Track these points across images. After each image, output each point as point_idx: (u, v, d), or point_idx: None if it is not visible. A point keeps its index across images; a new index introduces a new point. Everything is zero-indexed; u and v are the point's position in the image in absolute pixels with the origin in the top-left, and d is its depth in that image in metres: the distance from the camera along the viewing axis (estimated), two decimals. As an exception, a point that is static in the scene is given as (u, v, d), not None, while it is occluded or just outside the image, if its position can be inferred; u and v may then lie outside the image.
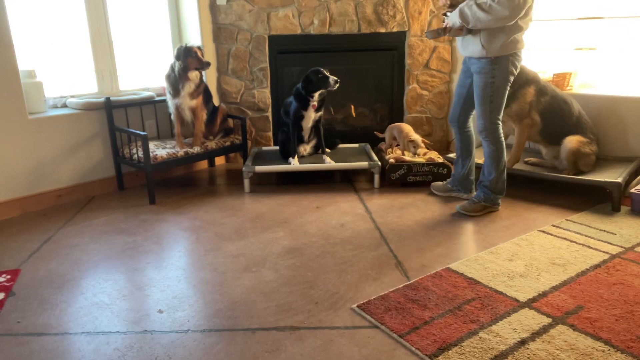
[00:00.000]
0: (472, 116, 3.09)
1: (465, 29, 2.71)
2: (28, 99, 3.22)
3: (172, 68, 3.47)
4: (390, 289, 2.17)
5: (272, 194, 3.48)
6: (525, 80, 3.21)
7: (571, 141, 3.15)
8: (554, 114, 3.21)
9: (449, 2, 2.82)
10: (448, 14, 2.83)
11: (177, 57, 3.41)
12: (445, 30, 2.80)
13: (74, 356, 1.79)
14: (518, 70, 2.80)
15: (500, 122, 2.85)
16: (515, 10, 2.55)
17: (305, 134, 3.65)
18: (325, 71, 3.39)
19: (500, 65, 2.70)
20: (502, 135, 2.87)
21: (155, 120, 3.87)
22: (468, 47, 2.78)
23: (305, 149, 3.70)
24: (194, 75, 3.46)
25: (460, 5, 2.69)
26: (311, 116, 3.56)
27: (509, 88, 2.81)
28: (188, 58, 3.39)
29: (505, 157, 2.93)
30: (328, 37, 4.04)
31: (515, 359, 1.69)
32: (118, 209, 3.26)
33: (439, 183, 3.36)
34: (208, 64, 3.45)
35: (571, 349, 1.73)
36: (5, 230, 2.97)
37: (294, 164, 3.53)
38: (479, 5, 2.59)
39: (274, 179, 3.80)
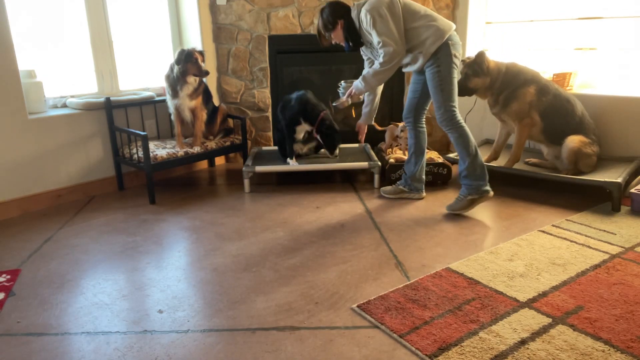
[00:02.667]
0: (424, 113, 3.13)
1: (364, 92, 2.98)
2: (28, 99, 3.22)
3: (172, 69, 3.47)
4: (390, 289, 2.17)
5: (272, 194, 3.48)
6: (524, 80, 3.21)
7: (573, 141, 3.14)
8: (557, 113, 3.21)
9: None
10: (342, 83, 3.11)
11: (178, 62, 3.40)
12: (351, 98, 3.03)
13: (74, 356, 1.79)
14: (459, 53, 2.86)
15: (455, 109, 2.88)
16: (398, 50, 2.73)
17: (299, 137, 3.65)
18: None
19: (442, 53, 2.79)
20: (461, 121, 2.89)
21: (155, 120, 3.87)
22: (415, 64, 2.89)
23: (302, 148, 3.70)
24: (192, 79, 3.45)
25: (363, 75, 2.91)
26: (305, 128, 3.58)
27: (456, 73, 2.86)
28: (188, 63, 3.38)
29: (474, 143, 2.91)
30: (328, 37, 4.04)
31: (515, 359, 1.69)
32: (118, 209, 3.26)
33: (389, 187, 3.35)
34: (206, 73, 3.42)
35: (571, 349, 1.73)
36: (5, 230, 2.97)
37: (293, 164, 3.53)
38: (374, 71, 2.83)
39: (274, 179, 3.80)
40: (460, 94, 3.30)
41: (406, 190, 3.26)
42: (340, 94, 3.13)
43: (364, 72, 2.91)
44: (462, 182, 2.96)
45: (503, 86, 3.24)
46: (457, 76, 2.86)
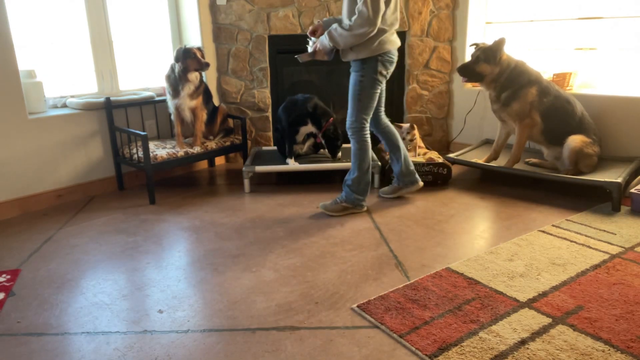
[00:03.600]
0: (382, 112, 3.13)
1: (330, 52, 2.87)
2: (28, 99, 3.22)
3: (172, 69, 3.47)
4: (390, 289, 2.17)
5: (272, 194, 3.48)
6: (528, 81, 3.20)
7: (575, 140, 3.14)
8: (557, 114, 3.21)
9: (311, 29, 2.98)
10: (312, 38, 2.99)
11: (177, 59, 3.41)
12: (315, 54, 2.94)
13: (74, 356, 1.79)
14: (389, 71, 2.87)
15: (366, 123, 2.90)
16: (371, 22, 2.64)
17: (300, 138, 3.65)
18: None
19: (369, 65, 2.80)
20: (367, 136, 2.92)
21: (155, 120, 3.87)
22: (347, 55, 2.86)
23: (302, 147, 3.71)
24: (193, 76, 3.46)
25: (329, 29, 2.81)
26: (309, 130, 3.60)
27: (379, 89, 2.88)
28: (187, 59, 3.39)
29: (370, 162, 2.96)
30: (328, 37, 4.04)
31: (515, 359, 1.69)
32: (118, 209, 3.26)
33: (386, 188, 3.33)
34: (207, 65, 3.45)
35: (571, 349, 1.73)
36: (5, 230, 2.97)
37: (292, 164, 3.53)
38: (342, 27, 2.73)
39: (274, 179, 3.80)
40: (466, 75, 3.30)
41: (402, 187, 3.26)
42: (309, 48, 3.03)
43: (332, 26, 2.82)
44: (344, 188, 3.03)
45: (507, 83, 3.22)
46: (379, 91, 2.89)
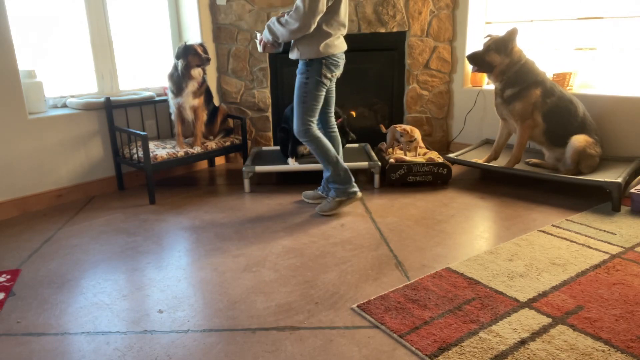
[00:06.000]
0: (331, 116, 3.12)
1: (275, 45, 2.88)
2: (28, 99, 3.23)
3: (175, 67, 3.47)
4: (390, 289, 2.17)
5: (272, 194, 3.48)
6: (534, 81, 3.19)
7: (578, 140, 3.13)
8: (560, 115, 3.20)
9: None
10: (259, 33, 3.01)
11: (177, 57, 3.42)
12: (264, 47, 2.95)
13: (74, 356, 1.79)
14: (335, 74, 2.87)
15: (312, 124, 2.90)
16: (305, 20, 2.63)
17: None
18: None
19: (313, 67, 2.80)
20: (315, 133, 2.91)
21: (155, 120, 3.87)
22: (293, 52, 2.87)
23: (306, 147, 3.70)
24: (196, 72, 3.46)
25: (268, 22, 2.83)
26: None
27: (323, 92, 2.87)
28: (189, 56, 3.40)
29: (334, 152, 2.94)
30: (328, 37, 4.03)
31: (515, 359, 1.69)
32: (118, 209, 3.26)
33: (309, 191, 3.31)
34: (208, 60, 3.45)
35: (571, 349, 1.73)
36: (5, 230, 2.97)
37: (292, 164, 3.53)
38: (279, 21, 2.75)
39: (274, 179, 3.80)
40: (476, 64, 3.28)
41: (324, 196, 3.22)
42: (257, 42, 3.03)
43: (271, 20, 2.83)
44: (330, 186, 3.02)
45: (514, 79, 3.20)
46: (323, 93, 2.88)
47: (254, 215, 3.09)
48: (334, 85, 3.06)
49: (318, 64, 2.79)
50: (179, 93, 3.50)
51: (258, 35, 2.99)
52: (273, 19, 2.80)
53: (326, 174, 3.01)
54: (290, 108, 3.64)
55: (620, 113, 3.38)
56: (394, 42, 4.18)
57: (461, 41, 4.20)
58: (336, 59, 2.84)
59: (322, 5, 2.63)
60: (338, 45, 2.82)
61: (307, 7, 2.60)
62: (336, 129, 3.17)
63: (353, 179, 3.01)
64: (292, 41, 2.83)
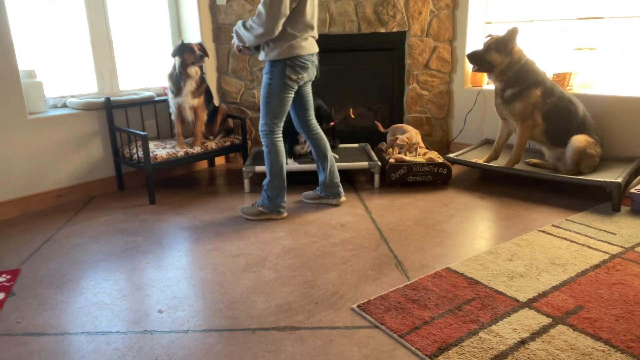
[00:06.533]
0: (311, 119, 3.09)
1: (247, 48, 2.88)
2: (28, 99, 3.23)
3: (174, 66, 3.48)
4: (390, 289, 2.17)
5: (272, 194, 3.47)
6: (534, 81, 3.18)
7: (579, 140, 3.13)
8: (560, 115, 3.20)
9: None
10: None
11: (174, 54, 3.43)
12: (240, 51, 2.94)
13: (74, 356, 1.79)
14: (302, 77, 2.82)
15: (277, 127, 2.88)
16: (268, 25, 2.61)
17: (301, 139, 3.65)
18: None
19: (276, 68, 2.77)
20: (277, 139, 2.89)
21: (155, 120, 3.87)
22: (260, 53, 2.85)
23: (303, 147, 3.70)
24: (193, 71, 3.45)
25: (235, 27, 2.82)
26: None
27: (289, 94, 2.83)
28: (185, 53, 3.40)
29: (282, 165, 2.92)
30: (328, 37, 4.04)
31: (515, 359, 1.69)
32: (118, 209, 3.26)
33: (309, 192, 3.31)
34: (202, 56, 3.41)
35: (571, 349, 1.73)
36: (5, 230, 2.97)
37: (292, 164, 3.53)
38: (244, 26, 2.74)
39: (274, 179, 3.80)
40: (476, 63, 3.27)
41: (323, 197, 3.23)
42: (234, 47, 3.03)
43: (237, 24, 2.81)
44: (262, 192, 3.00)
45: (514, 79, 3.19)
46: (290, 96, 2.84)
47: (254, 215, 3.09)
48: (309, 89, 3.02)
49: (282, 65, 2.75)
50: (178, 93, 3.50)
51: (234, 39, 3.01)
52: (239, 24, 2.78)
53: (265, 181, 2.97)
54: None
55: (620, 113, 3.38)
56: (394, 42, 4.18)
57: (461, 41, 4.20)
58: (303, 61, 2.78)
59: (285, 9, 2.59)
60: (305, 47, 2.76)
61: (269, 12, 2.57)
62: (319, 132, 3.12)
63: (284, 200, 3.00)
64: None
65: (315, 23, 2.82)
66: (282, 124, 2.91)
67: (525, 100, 3.19)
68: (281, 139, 2.93)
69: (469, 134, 4.33)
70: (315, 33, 2.85)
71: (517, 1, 3.98)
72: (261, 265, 2.43)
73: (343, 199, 3.23)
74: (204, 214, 3.12)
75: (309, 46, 2.80)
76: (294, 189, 3.56)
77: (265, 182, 2.97)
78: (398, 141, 3.64)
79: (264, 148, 2.92)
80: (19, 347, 1.85)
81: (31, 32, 3.37)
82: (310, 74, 2.89)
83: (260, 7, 2.61)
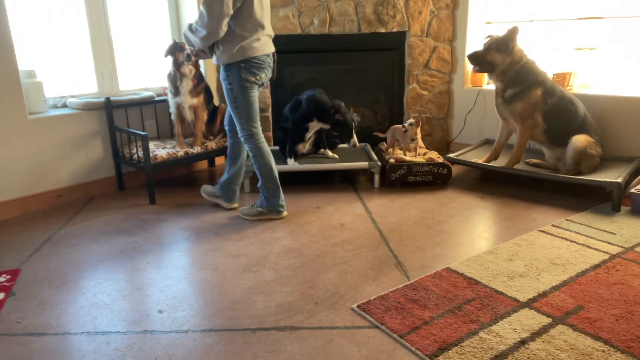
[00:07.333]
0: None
1: (201, 52, 2.85)
2: (28, 99, 3.22)
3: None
4: (390, 289, 2.17)
5: (272, 194, 3.47)
6: (535, 81, 3.18)
7: (579, 140, 3.13)
8: (561, 115, 3.20)
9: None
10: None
11: (166, 54, 3.44)
12: (196, 55, 2.92)
13: (74, 356, 1.79)
14: (260, 77, 2.80)
15: (255, 129, 2.86)
16: (211, 26, 2.59)
17: (308, 135, 3.64)
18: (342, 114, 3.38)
19: (232, 72, 2.75)
20: (259, 140, 2.88)
21: (155, 120, 3.87)
22: (213, 57, 2.83)
23: (305, 146, 3.70)
24: (187, 70, 3.45)
25: (183, 31, 2.80)
26: (315, 127, 3.57)
27: (253, 94, 2.82)
28: (176, 52, 3.42)
29: (270, 165, 2.91)
30: (328, 37, 4.04)
31: (515, 359, 1.69)
32: (118, 209, 3.26)
33: (209, 187, 3.27)
34: (189, 57, 3.35)
35: (571, 349, 1.73)
36: (5, 230, 2.97)
37: (292, 164, 3.53)
38: (190, 29, 2.72)
39: (274, 179, 3.80)
40: (477, 63, 3.27)
41: (217, 196, 3.22)
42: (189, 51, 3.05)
43: (185, 27, 2.79)
44: (260, 193, 3.00)
45: (515, 79, 3.19)
46: (254, 95, 2.82)
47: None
48: (257, 92, 2.98)
49: (236, 68, 2.72)
50: (176, 92, 3.50)
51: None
52: (187, 27, 2.75)
53: (259, 183, 2.96)
54: (290, 108, 3.64)
55: (620, 113, 3.38)
56: (394, 42, 4.18)
57: (461, 41, 4.20)
58: (258, 62, 2.75)
59: (227, 8, 2.55)
60: (257, 48, 2.72)
61: (210, 12, 2.54)
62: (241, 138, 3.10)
63: (282, 199, 2.99)
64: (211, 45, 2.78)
65: (267, 22, 2.78)
66: (258, 124, 2.89)
67: (526, 100, 3.19)
68: (263, 139, 2.91)
69: (469, 134, 4.33)
70: (269, 31, 2.81)
71: (517, 1, 3.98)
72: (261, 265, 2.43)
73: (235, 205, 3.21)
74: (204, 214, 3.12)
75: (262, 47, 2.75)
76: (294, 188, 3.56)
77: (259, 184, 2.97)
78: (410, 119, 3.58)
79: (250, 152, 2.91)
80: (19, 347, 1.85)
81: (31, 32, 3.37)
82: (267, 74, 2.86)
83: (201, 7, 2.57)
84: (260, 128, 2.90)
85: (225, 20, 2.59)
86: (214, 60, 2.81)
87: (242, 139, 2.90)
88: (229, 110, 2.99)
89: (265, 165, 2.91)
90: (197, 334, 1.90)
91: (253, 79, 2.76)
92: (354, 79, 4.27)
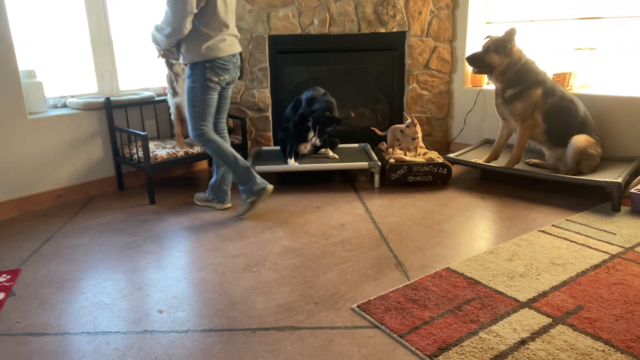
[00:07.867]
0: (222, 120, 3.10)
1: (168, 51, 2.86)
2: (28, 99, 3.22)
3: None
4: (390, 289, 2.17)
5: (272, 194, 3.47)
6: (535, 81, 3.19)
7: (580, 140, 3.13)
8: (561, 115, 3.20)
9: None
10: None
11: (158, 56, 3.43)
12: (165, 54, 2.93)
13: (74, 356, 1.79)
14: (223, 78, 2.81)
15: (204, 128, 2.88)
16: (175, 24, 2.60)
17: (309, 134, 3.64)
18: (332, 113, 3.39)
19: (196, 71, 2.76)
20: (211, 136, 2.89)
21: (155, 120, 3.87)
22: (180, 56, 2.84)
23: (306, 146, 3.69)
24: (179, 69, 3.45)
25: (150, 31, 2.81)
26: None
27: (212, 95, 2.83)
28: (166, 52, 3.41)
29: (231, 152, 2.91)
30: (328, 37, 4.04)
31: (515, 359, 1.69)
32: (118, 209, 3.26)
33: (201, 194, 3.31)
34: (170, 53, 3.36)
35: (571, 349, 1.73)
36: (5, 230, 2.97)
37: (292, 164, 3.53)
38: (156, 28, 2.74)
39: (274, 179, 3.80)
40: (476, 65, 3.28)
41: (210, 199, 3.23)
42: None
43: (154, 25, 2.80)
44: (239, 188, 3.00)
45: (514, 79, 3.19)
46: (213, 97, 2.84)
47: (254, 215, 3.09)
48: (230, 92, 3.03)
49: (201, 68, 2.73)
50: (174, 93, 3.50)
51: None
52: (153, 27, 2.76)
53: (232, 177, 2.98)
54: (291, 107, 3.64)
55: (620, 113, 3.38)
56: (394, 42, 4.18)
57: (461, 41, 4.20)
58: (223, 62, 2.76)
59: (191, 6, 2.56)
60: (223, 49, 2.73)
61: (174, 10, 2.55)
62: (225, 135, 3.14)
63: (257, 176, 2.96)
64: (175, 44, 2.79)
65: (231, 21, 2.78)
66: (209, 124, 2.90)
67: (526, 100, 3.19)
68: (213, 132, 2.92)
69: (469, 134, 4.33)
70: (234, 31, 2.81)
71: (517, 1, 3.98)
72: (261, 265, 2.43)
73: (228, 205, 3.20)
74: (204, 214, 3.12)
75: (228, 47, 2.76)
76: (294, 188, 3.56)
77: (233, 178, 2.96)
78: (408, 118, 3.59)
79: (206, 149, 2.93)
80: (19, 347, 1.85)
81: (31, 32, 3.37)
82: (233, 74, 2.87)
83: (165, 5, 2.58)
84: (210, 126, 2.92)
85: (189, 18, 2.61)
86: (180, 59, 2.82)
87: (194, 139, 2.91)
88: None
89: (227, 154, 2.90)
90: (197, 334, 1.90)
91: (216, 79, 2.78)
92: (354, 79, 4.27)
